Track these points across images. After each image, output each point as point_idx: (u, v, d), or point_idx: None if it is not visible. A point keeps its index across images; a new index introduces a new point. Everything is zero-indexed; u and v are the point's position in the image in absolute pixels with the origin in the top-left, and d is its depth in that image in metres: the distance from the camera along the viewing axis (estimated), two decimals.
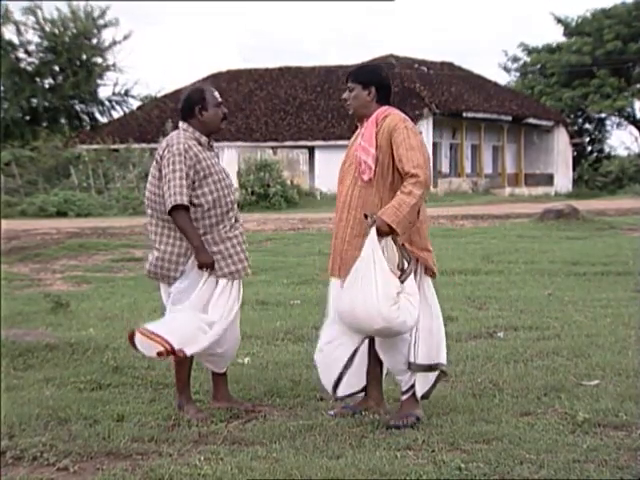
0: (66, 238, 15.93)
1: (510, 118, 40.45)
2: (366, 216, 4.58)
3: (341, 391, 4.90)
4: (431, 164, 4.90)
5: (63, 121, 42.25)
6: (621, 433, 4.46)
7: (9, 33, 39.98)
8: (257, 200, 28.87)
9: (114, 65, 41.61)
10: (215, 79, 38.75)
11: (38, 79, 40.65)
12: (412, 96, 36.01)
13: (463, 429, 4.50)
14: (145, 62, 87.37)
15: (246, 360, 6.08)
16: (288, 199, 29.77)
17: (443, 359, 4.82)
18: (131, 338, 4.79)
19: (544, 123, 42.45)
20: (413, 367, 4.75)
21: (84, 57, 40.77)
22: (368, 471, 3.95)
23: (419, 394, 4.80)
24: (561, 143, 43.59)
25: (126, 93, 42.41)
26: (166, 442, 4.43)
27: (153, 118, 39.05)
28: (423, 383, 4.80)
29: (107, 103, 42.61)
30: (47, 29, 40.11)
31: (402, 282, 4.55)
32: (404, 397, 4.81)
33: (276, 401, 5.19)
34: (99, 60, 41.47)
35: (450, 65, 43.91)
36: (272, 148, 33.89)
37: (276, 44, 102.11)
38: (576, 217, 17.79)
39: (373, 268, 4.49)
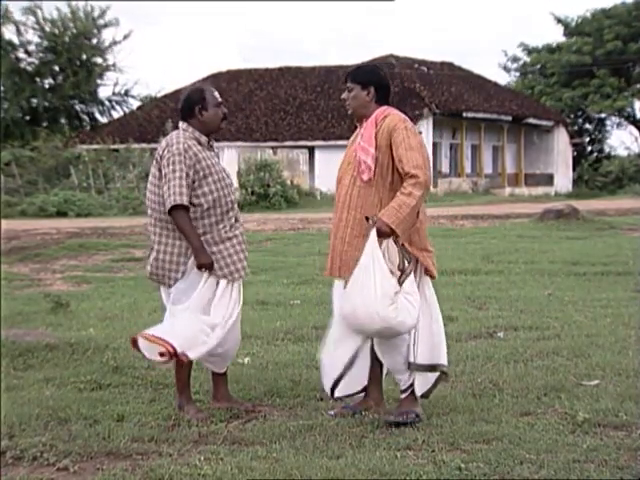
0: (66, 238, 15.92)
1: (510, 118, 40.45)
2: (367, 219, 4.59)
3: (339, 391, 4.90)
4: (431, 164, 4.90)
5: (63, 121, 42.30)
6: (621, 433, 4.46)
7: (9, 33, 40.10)
8: (257, 200, 28.87)
9: (114, 65, 41.72)
10: (215, 79, 38.75)
11: (38, 79, 40.70)
12: (412, 96, 36.01)
13: (463, 429, 4.50)
14: (145, 62, 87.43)
15: (246, 360, 6.08)
16: (288, 199, 29.77)
17: (444, 360, 4.82)
18: (135, 344, 4.79)
19: (544, 123, 42.45)
20: (412, 367, 4.75)
21: (84, 57, 40.82)
22: (368, 471, 3.95)
23: (418, 393, 4.81)
24: (561, 143, 43.59)
25: (126, 93, 42.48)
26: (166, 442, 4.43)
27: (153, 118, 39.05)
28: (422, 382, 4.80)
29: (107, 103, 42.70)
30: (47, 29, 40.17)
31: (402, 282, 4.56)
32: (403, 395, 4.82)
33: (276, 401, 5.19)
34: (99, 60, 41.55)
35: (450, 65, 43.91)
36: (272, 148, 33.90)
37: (276, 44, 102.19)
38: (576, 217, 17.79)
39: (372, 269, 4.50)
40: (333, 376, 4.86)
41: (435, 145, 36.97)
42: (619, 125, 52.71)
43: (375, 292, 4.48)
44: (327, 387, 4.92)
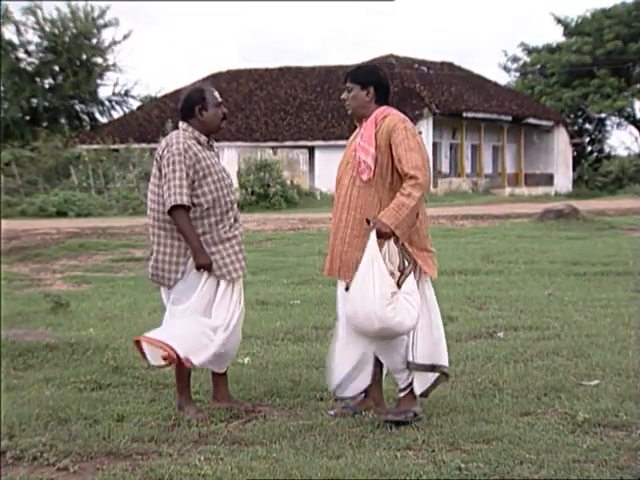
0: (66, 238, 15.92)
1: (510, 118, 40.45)
2: (368, 221, 4.60)
3: (345, 392, 4.89)
4: (431, 165, 4.90)
5: (63, 121, 42.30)
6: (621, 433, 4.46)
7: (9, 33, 40.11)
8: (257, 200, 28.87)
9: (114, 65, 41.72)
10: (215, 79, 38.76)
11: (38, 79, 40.70)
12: (412, 96, 36.01)
13: (463, 429, 4.50)
14: (145, 62, 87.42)
15: (246, 360, 6.08)
16: (288, 199, 29.77)
17: (444, 361, 4.82)
18: (140, 348, 4.80)
19: (544, 123, 42.45)
20: (411, 366, 4.76)
21: (84, 57, 40.83)
22: (368, 471, 3.95)
23: (417, 392, 4.82)
24: (561, 143, 43.59)
25: (126, 93, 42.49)
26: (166, 442, 4.43)
27: (153, 118, 39.06)
28: (422, 382, 4.80)
29: (107, 103, 42.70)
30: (47, 29, 40.17)
31: (401, 282, 4.56)
32: (402, 394, 4.83)
33: (276, 401, 5.19)
34: (99, 60, 41.53)
35: (450, 65, 43.92)
36: (272, 148, 33.90)
37: (276, 44, 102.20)
38: (576, 217, 17.79)
39: (371, 271, 4.51)
40: (340, 376, 4.84)
41: (435, 145, 36.97)
42: (619, 125, 52.75)
43: (373, 292, 4.49)
44: (332, 386, 4.90)
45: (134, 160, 31.45)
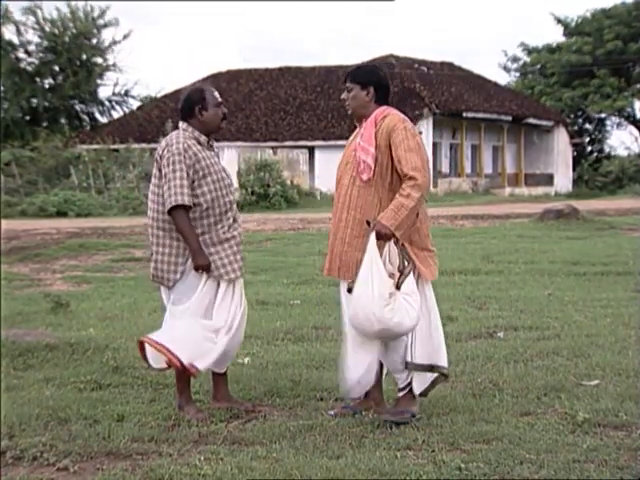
0: (66, 238, 15.92)
1: (510, 118, 40.45)
2: (368, 223, 4.60)
3: (356, 393, 4.88)
4: (430, 165, 4.90)
5: (63, 121, 42.31)
6: (621, 433, 4.46)
7: (9, 33, 40.13)
8: (257, 200, 28.87)
9: (114, 65, 41.73)
10: (215, 79, 38.76)
11: (38, 79, 40.71)
12: (412, 96, 36.01)
13: (463, 429, 4.50)
14: (145, 62, 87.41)
15: (246, 360, 6.08)
16: (288, 199, 29.77)
17: (443, 361, 4.81)
18: (141, 348, 4.80)
19: (544, 123, 42.45)
20: (410, 366, 4.76)
21: (84, 57, 40.83)
22: (368, 471, 3.95)
23: (416, 392, 4.82)
24: (561, 143, 43.59)
25: (126, 93, 42.50)
26: (166, 442, 4.43)
27: (153, 118, 39.06)
28: (421, 381, 4.81)
29: (107, 103, 42.72)
30: (47, 29, 40.18)
31: (400, 283, 4.57)
32: (401, 394, 4.83)
33: (276, 401, 5.19)
34: (99, 60, 41.53)
35: (450, 65, 43.92)
36: (272, 148, 33.90)
37: (276, 44, 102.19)
38: (576, 217, 17.79)
39: (370, 272, 4.52)
40: (354, 378, 4.80)
41: (435, 145, 36.97)
42: (619, 125, 52.76)
43: (372, 293, 4.50)
44: (346, 388, 4.85)
45: (134, 160, 31.46)
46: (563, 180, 43.35)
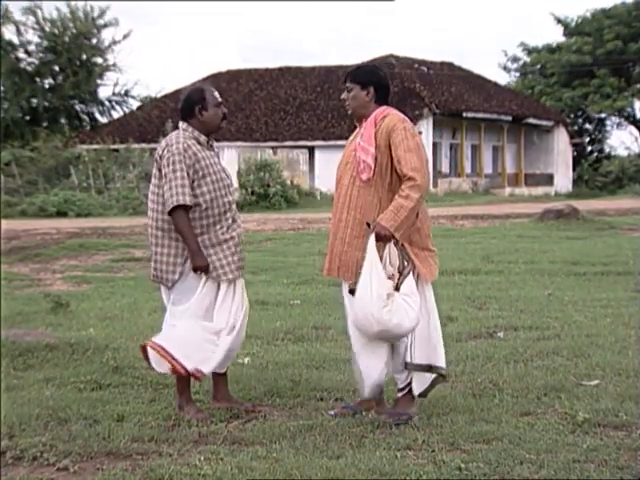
0: (66, 238, 15.92)
1: (510, 118, 40.46)
2: (368, 225, 4.60)
3: (375, 395, 4.88)
4: (430, 165, 4.90)
5: (63, 121, 42.28)
6: (621, 433, 4.46)
7: (9, 33, 40.10)
8: (257, 200, 28.87)
9: (114, 65, 41.70)
10: (215, 79, 38.76)
11: (38, 79, 40.69)
12: (412, 96, 36.02)
13: (463, 429, 4.50)
14: (145, 62, 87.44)
15: (246, 360, 6.08)
16: (288, 199, 29.78)
17: (442, 362, 4.81)
18: (144, 351, 4.81)
19: (544, 123, 42.45)
20: (410, 367, 4.76)
21: (84, 57, 40.81)
22: (368, 471, 3.95)
23: (416, 392, 4.82)
24: (561, 143, 43.59)
25: (126, 93, 42.47)
26: (166, 442, 4.43)
27: (153, 118, 39.06)
28: (420, 382, 4.81)
29: (107, 103, 42.67)
30: (47, 29, 40.16)
31: (400, 284, 4.57)
32: (400, 394, 4.83)
33: (276, 401, 5.19)
34: (99, 60, 41.51)
35: (450, 65, 43.92)
36: (272, 148, 33.90)
37: (276, 44, 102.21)
38: (576, 217, 17.79)
39: (369, 274, 4.52)
40: (371, 382, 4.79)
41: (435, 145, 36.97)
42: (619, 125, 52.76)
43: (371, 295, 4.51)
44: (365, 390, 4.84)
45: (134, 160, 31.45)
46: (563, 180, 43.35)
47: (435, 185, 35.04)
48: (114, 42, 41.49)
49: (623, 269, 10.93)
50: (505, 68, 54.74)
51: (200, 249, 4.81)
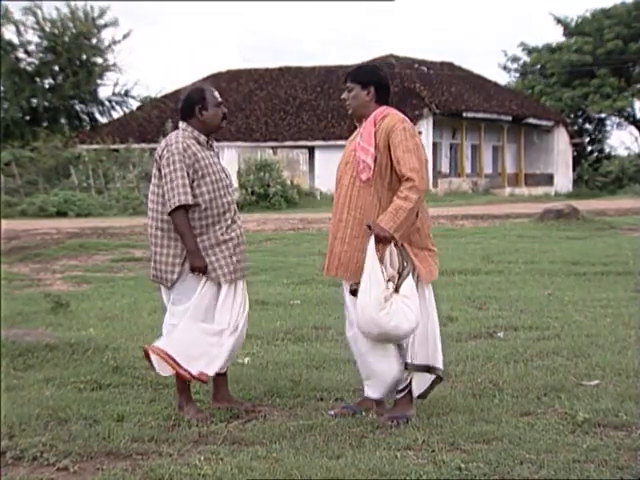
0: (66, 238, 15.92)
1: (510, 118, 40.46)
2: (369, 227, 4.60)
3: (390, 397, 4.88)
4: (429, 165, 4.90)
5: (63, 121, 42.25)
6: (621, 433, 4.46)
7: (9, 33, 40.08)
8: (257, 200, 28.87)
9: (114, 65, 41.67)
10: (215, 79, 38.76)
11: (38, 79, 40.67)
12: (412, 96, 36.02)
13: (463, 429, 4.50)
14: (145, 62, 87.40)
15: (246, 360, 6.08)
16: (288, 199, 29.78)
17: (439, 363, 4.82)
18: (147, 355, 4.81)
19: (544, 123, 42.45)
20: (410, 367, 4.76)
21: (84, 57, 40.78)
22: (368, 471, 3.95)
23: (415, 393, 4.82)
24: (561, 143, 43.59)
25: (126, 93, 42.44)
26: (166, 442, 4.43)
27: (153, 118, 39.04)
28: (420, 383, 4.81)
29: (107, 103, 42.64)
30: (47, 29, 40.13)
31: (399, 285, 4.57)
32: (399, 396, 4.82)
33: (276, 401, 5.19)
34: (99, 60, 41.49)
35: (450, 65, 43.92)
36: (272, 148, 33.90)
37: (276, 44, 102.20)
38: (576, 217, 17.79)
39: (369, 277, 4.53)
40: (393, 379, 4.78)
41: (435, 145, 36.97)
42: (619, 125, 52.76)
43: (369, 297, 4.52)
44: (383, 392, 4.83)
45: (134, 160, 31.45)
46: (563, 180, 43.35)
47: (435, 185, 35.05)
48: (114, 42, 41.49)
49: (623, 269, 10.93)
50: (505, 68, 54.79)
51: (198, 250, 4.80)
